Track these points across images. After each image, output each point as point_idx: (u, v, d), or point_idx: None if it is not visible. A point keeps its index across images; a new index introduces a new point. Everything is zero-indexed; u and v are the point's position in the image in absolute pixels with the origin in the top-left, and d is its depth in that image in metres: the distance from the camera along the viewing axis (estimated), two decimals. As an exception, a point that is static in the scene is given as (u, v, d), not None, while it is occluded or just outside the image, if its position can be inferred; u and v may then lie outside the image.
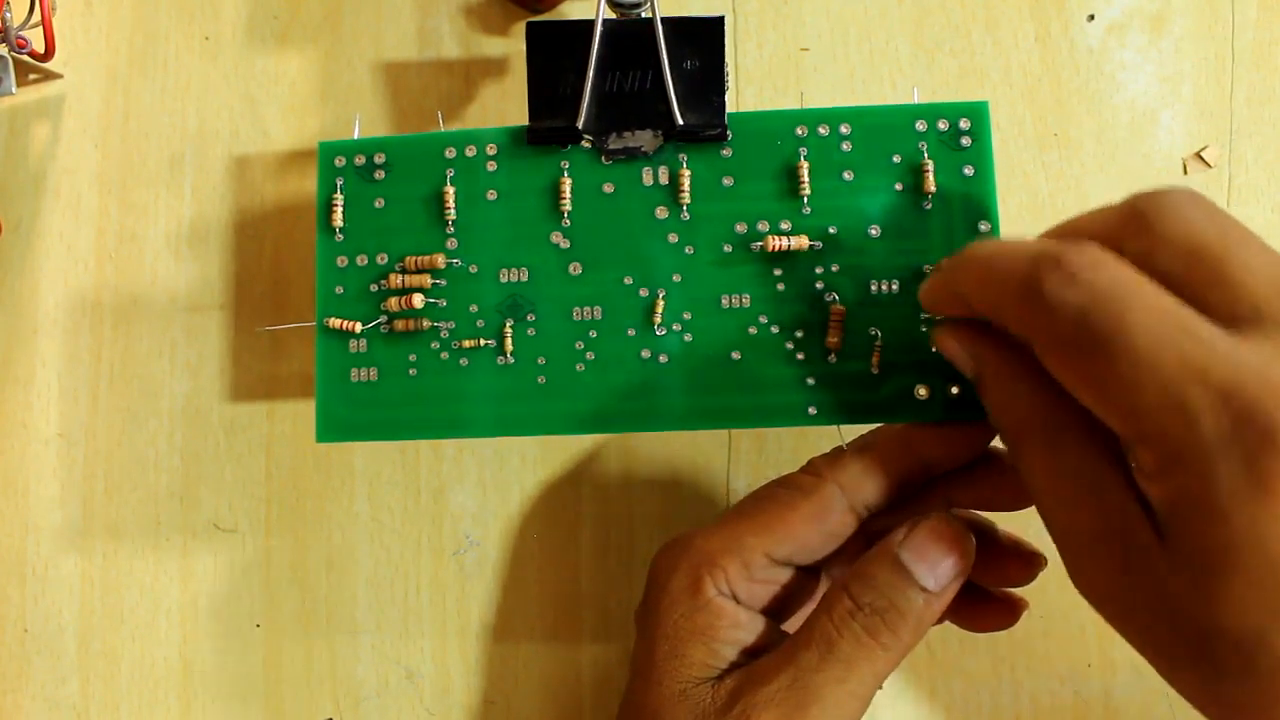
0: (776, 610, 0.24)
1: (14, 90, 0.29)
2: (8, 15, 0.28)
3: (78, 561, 0.29)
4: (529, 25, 0.25)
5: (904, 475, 0.24)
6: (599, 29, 0.25)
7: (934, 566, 0.22)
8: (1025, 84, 0.30)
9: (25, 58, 0.29)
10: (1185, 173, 0.30)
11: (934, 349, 0.23)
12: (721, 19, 0.25)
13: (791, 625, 0.24)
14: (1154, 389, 0.17)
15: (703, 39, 0.25)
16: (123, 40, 0.30)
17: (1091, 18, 0.30)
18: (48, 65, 0.29)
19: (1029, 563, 0.24)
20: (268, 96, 0.30)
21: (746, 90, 0.30)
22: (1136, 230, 0.19)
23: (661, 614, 0.23)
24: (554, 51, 0.25)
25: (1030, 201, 0.30)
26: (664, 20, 0.25)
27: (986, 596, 0.25)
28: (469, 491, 0.29)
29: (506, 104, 0.30)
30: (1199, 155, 0.30)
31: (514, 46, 0.30)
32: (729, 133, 0.25)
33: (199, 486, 0.29)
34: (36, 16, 0.28)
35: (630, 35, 0.25)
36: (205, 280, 0.30)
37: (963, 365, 0.22)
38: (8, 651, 0.29)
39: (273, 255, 0.30)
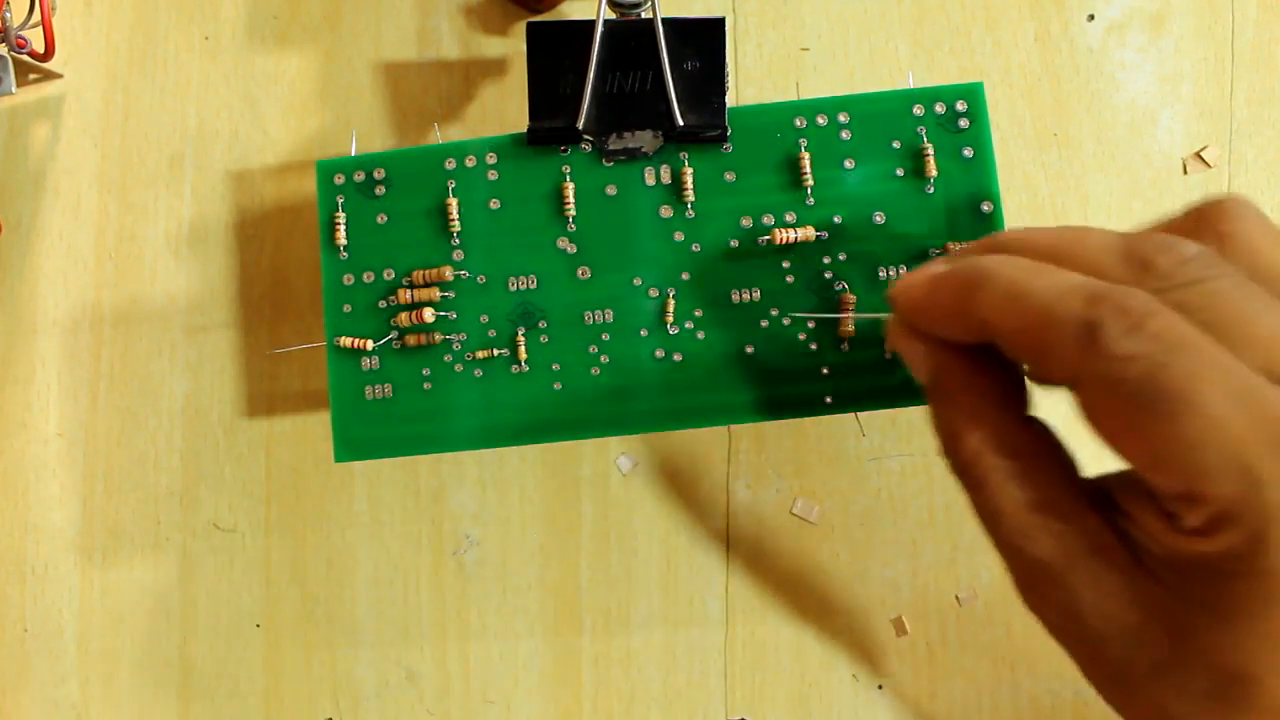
0: None
1: (14, 90, 0.29)
2: (8, 15, 0.28)
3: (78, 561, 0.29)
4: (529, 25, 0.25)
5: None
6: (599, 29, 0.25)
7: None
8: (1025, 84, 0.30)
9: (25, 58, 0.29)
10: (1185, 172, 0.30)
11: (887, 350, 0.22)
12: (722, 20, 0.25)
13: None
14: (1218, 451, 0.16)
15: (703, 40, 0.25)
16: (123, 40, 0.30)
17: (1091, 18, 0.30)
18: (48, 65, 0.29)
19: None
20: (267, 96, 0.30)
21: (746, 90, 0.30)
22: (1216, 244, 0.18)
23: None
24: (554, 51, 0.25)
25: (1030, 201, 0.30)
26: (664, 21, 0.25)
27: None
28: (469, 491, 0.29)
29: (506, 104, 0.30)
30: (1199, 155, 0.30)
31: (514, 46, 0.30)
32: (729, 134, 0.25)
33: (199, 486, 0.29)
34: (36, 16, 0.28)
35: (630, 35, 0.25)
36: (205, 280, 0.30)
37: (919, 370, 0.20)
38: (8, 651, 0.29)
39: (273, 254, 0.30)
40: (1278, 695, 0.16)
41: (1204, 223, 0.19)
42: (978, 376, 0.20)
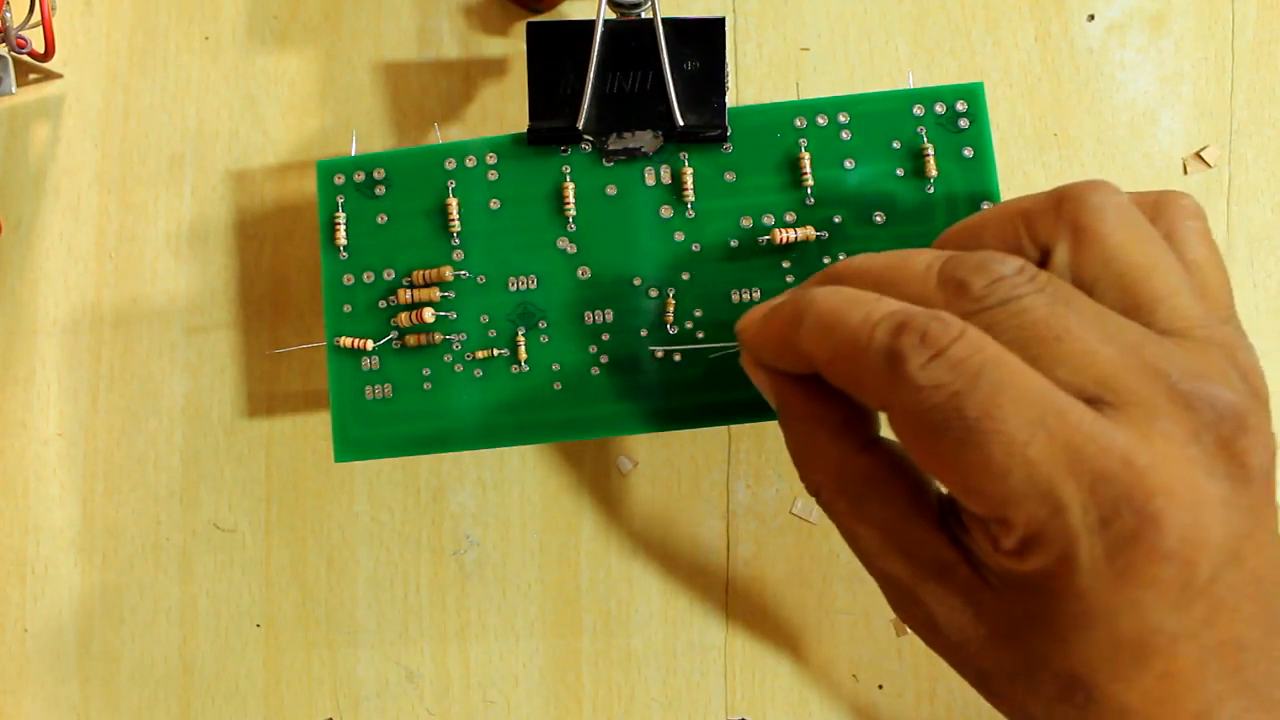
0: None
1: (14, 90, 0.29)
2: (8, 15, 0.28)
3: (77, 561, 0.29)
4: (529, 25, 0.25)
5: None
6: (599, 29, 0.25)
7: None
8: (1025, 84, 0.30)
9: (25, 58, 0.29)
10: (1185, 173, 0.30)
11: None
12: (722, 20, 0.25)
13: None
14: (1022, 476, 0.16)
15: (703, 40, 0.25)
16: (123, 40, 0.30)
17: (1091, 18, 0.30)
18: (48, 65, 0.29)
19: None
20: (268, 96, 0.30)
21: (746, 90, 0.30)
22: (1069, 237, 0.19)
23: None
24: (554, 52, 0.25)
25: (1030, 201, 0.30)
26: (664, 21, 0.25)
27: None
28: (469, 491, 0.29)
29: (506, 104, 0.30)
30: (1199, 155, 0.30)
31: (514, 46, 0.30)
32: (729, 134, 0.25)
33: (199, 486, 0.29)
34: (36, 16, 0.28)
35: (630, 35, 0.25)
36: (205, 280, 0.30)
37: (769, 399, 0.21)
38: (8, 651, 0.29)
39: (273, 254, 0.30)
40: (1118, 700, 0.17)
41: (1060, 214, 0.19)
42: (816, 406, 0.20)
